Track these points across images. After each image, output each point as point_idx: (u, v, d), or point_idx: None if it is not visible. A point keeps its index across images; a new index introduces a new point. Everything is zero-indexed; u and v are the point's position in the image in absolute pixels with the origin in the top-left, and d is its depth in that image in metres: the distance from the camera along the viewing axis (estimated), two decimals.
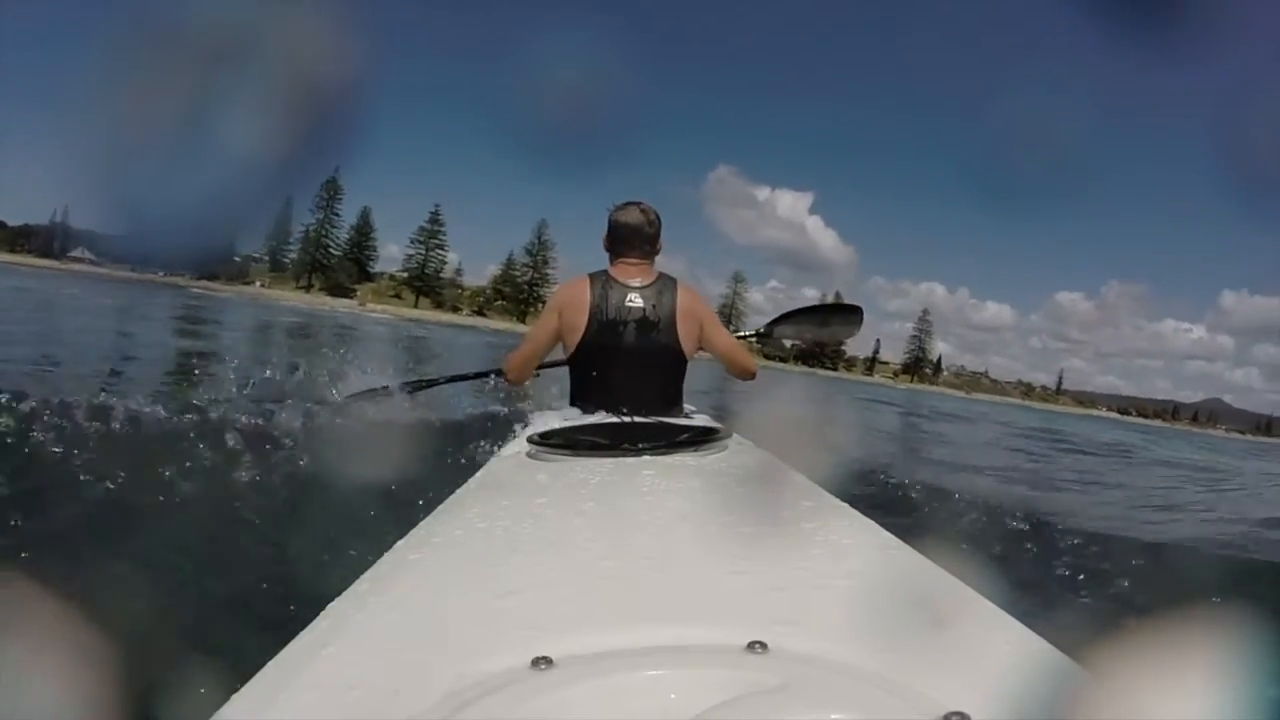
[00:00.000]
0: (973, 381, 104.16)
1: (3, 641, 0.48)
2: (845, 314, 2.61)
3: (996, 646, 0.61)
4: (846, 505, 1.11)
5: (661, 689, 0.51)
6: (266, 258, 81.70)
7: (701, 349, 1.95)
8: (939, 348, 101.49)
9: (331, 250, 79.02)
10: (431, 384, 2.68)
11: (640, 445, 1.48)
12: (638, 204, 1.95)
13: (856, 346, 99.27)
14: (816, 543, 0.91)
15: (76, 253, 78.49)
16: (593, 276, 1.89)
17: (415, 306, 75.61)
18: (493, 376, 2.51)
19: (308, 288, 75.75)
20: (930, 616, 0.67)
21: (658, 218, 1.94)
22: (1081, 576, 2.30)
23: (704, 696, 0.47)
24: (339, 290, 73.72)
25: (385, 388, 2.58)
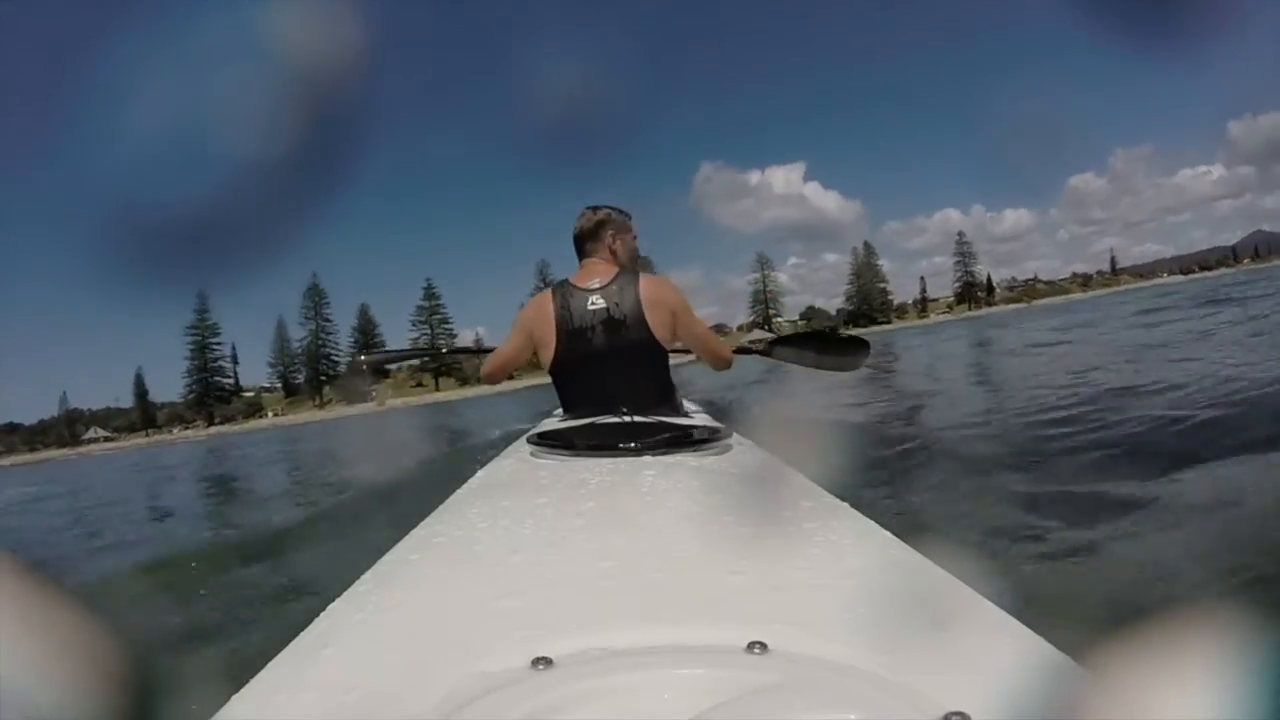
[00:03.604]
0: (1029, 290, 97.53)
1: (3, 641, 0.48)
2: (850, 347, 2.48)
3: (996, 646, 0.61)
4: (846, 505, 1.11)
5: (661, 689, 0.51)
6: (279, 385, 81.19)
7: (677, 340, 1.94)
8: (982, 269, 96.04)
9: (334, 359, 77.53)
10: (436, 354, 2.68)
11: (640, 445, 1.48)
12: (588, 208, 1.97)
13: (902, 291, 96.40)
14: (816, 543, 0.90)
15: (90, 434, 79.35)
16: (554, 288, 1.89)
17: (437, 389, 72.98)
18: (479, 357, 2.49)
19: (320, 404, 74.21)
20: (930, 616, 0.67)
21: (608, 214, 1.95)
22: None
23: (704, 696, 0.47)
24: (356, 397, 71.96)
25: (403, 350, 2.56)
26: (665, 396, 1.87)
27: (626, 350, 1.81)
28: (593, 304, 1.81)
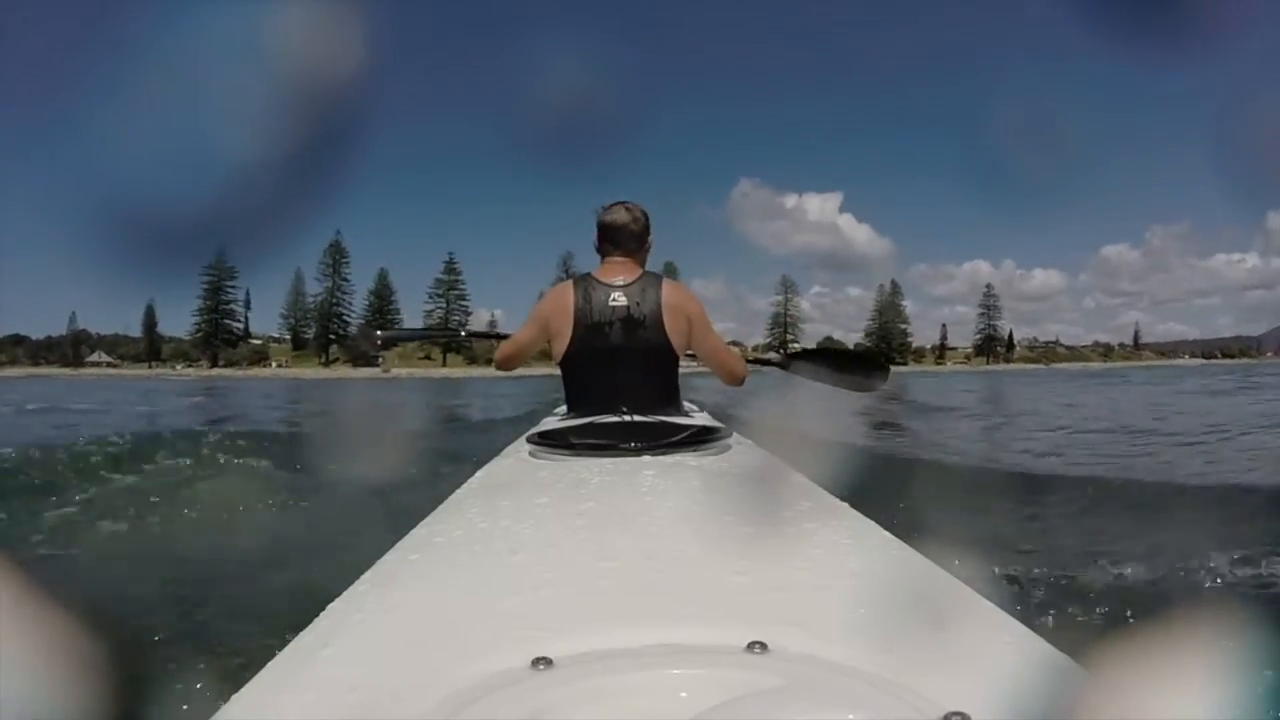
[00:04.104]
0: (1049, 352, 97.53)
1: (1, 641, 0.48)
2: (870, 366, 2.41)
3: (996, 646, 0.61)
4: (846, 505, 1.11)
5: (661, 689, 0.51)
6: (288, 336, 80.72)
7: (690, 349, 1.93)
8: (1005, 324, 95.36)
9: (346, 319, 77.42)
10: (452, 335, 2.64)
11: (640, 445, 1.48)
12: (623, 203, 1.94)
13: (923, 335, 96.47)
14: (816, 543, 0.90)
15: (94, 357, 79.64)
16: (575, 280, 1.88)
17: (444, 365, 72.88)
18: (495, 341, 2.46)
19: (326, 362, 73.90)
20: (930, 616, 0.67)
21: (644, 215, 1.93)
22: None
23: (704, 696, 0.47)
24: (363, 359, 71.08)
25: (422, 329, 2.52)
26: (669, 399, 1.87)
27: (640, 351, 1.81)
28: (614, 301, 1.81)
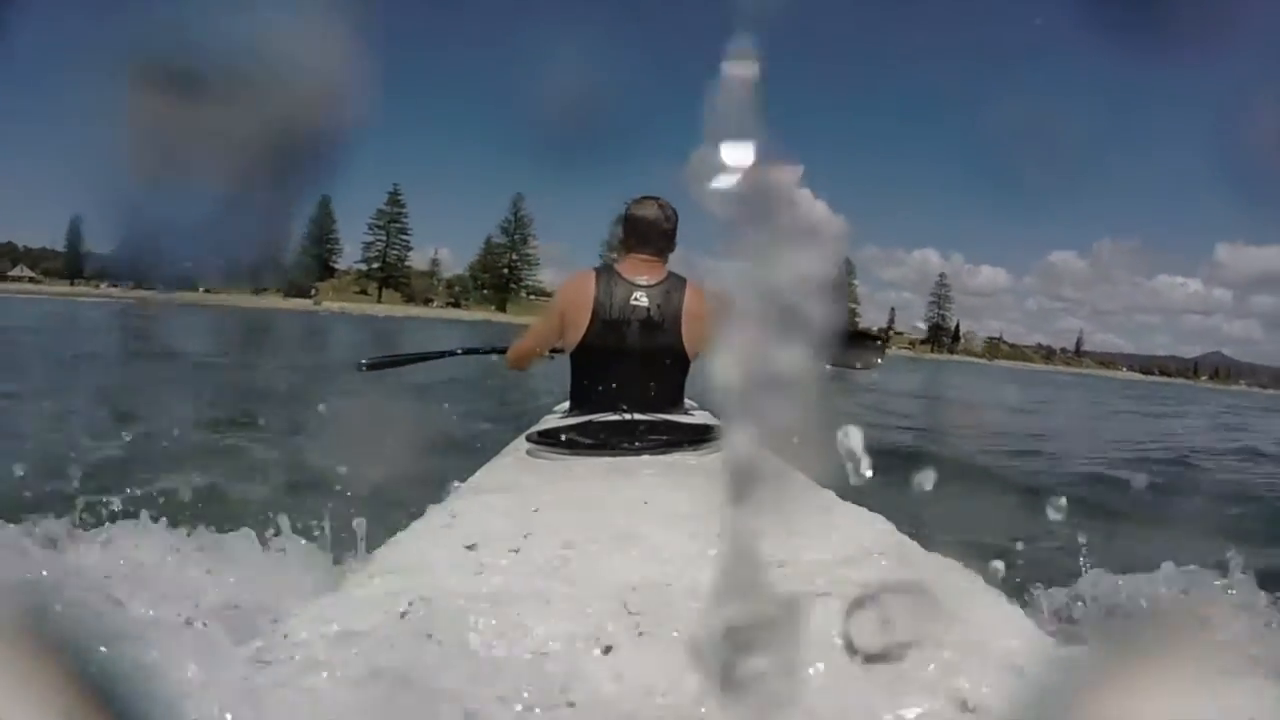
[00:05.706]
0: (992, 348, 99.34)
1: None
2: (864, 342, 2.29)
3: (1000, 639, 0.61)
4: (849, 504, 1.11)
5: (657, 684, 0.50)
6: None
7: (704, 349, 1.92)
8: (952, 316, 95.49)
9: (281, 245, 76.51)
10: (445, 355, 2.64)
11: (639, 444, 1.47)
12: (655, 199, 1.89)
13: (870, 319, 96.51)
14: (816, 539, 0.90)
15: (15, 271, 76.41)
16: (598, 272, 1.85)
17: (380, 301, 70.26)
18: (495, 355, 2.48)
19: (255, 290, 72.87)
20: (934, 610, 0.67)
21: (675, 214, 1.88)
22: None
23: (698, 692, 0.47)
24: (295, 290, 67.53)
25: (398, 356, 2.50)
26: (673, 400, 1.85)
27: (653, 354, 1.79)
28: (635, 300, 1.79)
